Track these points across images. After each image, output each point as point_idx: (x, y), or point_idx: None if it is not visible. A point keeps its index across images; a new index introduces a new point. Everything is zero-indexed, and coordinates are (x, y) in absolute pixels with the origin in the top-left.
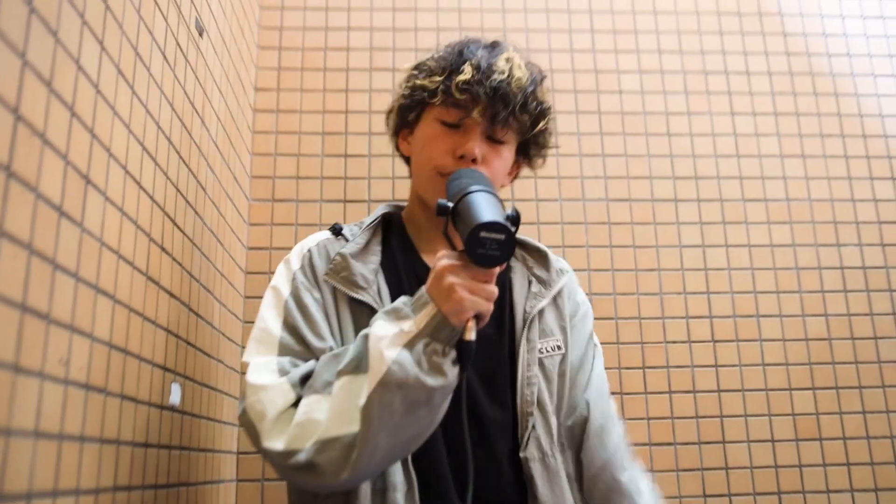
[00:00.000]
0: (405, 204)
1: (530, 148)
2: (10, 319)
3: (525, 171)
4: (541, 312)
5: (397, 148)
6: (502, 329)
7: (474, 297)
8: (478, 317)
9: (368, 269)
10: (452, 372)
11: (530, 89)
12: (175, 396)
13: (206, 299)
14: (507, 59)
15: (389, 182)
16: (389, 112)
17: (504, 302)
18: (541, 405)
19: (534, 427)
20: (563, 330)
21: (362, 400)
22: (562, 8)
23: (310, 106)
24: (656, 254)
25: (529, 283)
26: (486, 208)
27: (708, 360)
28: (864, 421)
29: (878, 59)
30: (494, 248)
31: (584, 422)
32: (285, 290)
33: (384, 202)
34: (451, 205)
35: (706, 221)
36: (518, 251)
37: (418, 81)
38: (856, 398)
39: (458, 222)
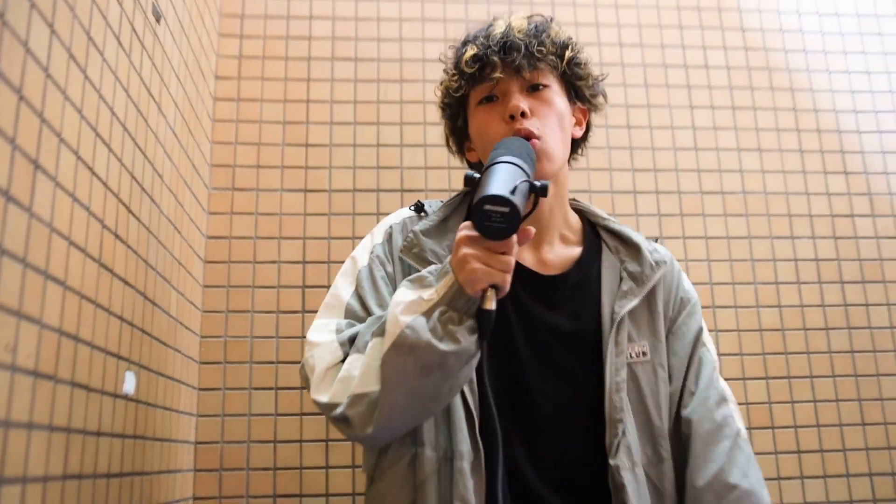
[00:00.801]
0: None
1: (576, 84)
2: None
3: None
4: (631, 313)
5: (469, 164)
6: (583, 324)
7: (488, 267)
8: (496, 287)
9: (441, 246)
10: (467, 339)
11: (534, 28)
12: (129, 385)
13: (162, 288)
14: (504, 21)
15: (350, 171)
16: (447, 139)
17: (589, 295)
18: (630, 412)
19: (624, 434)
20: (655, 333)
21: (380, 361)
22: (523, 0)
23: (271, 95)
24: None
25: (621, 279)
26: (497, 180)
27: None
28: (814, 410)
29: (832, 55)
30: (500, 220)
31: (688, 437)
32: (362, 261)
33: (345, 192)
34: (478, 176)
35: (664, 213)
36: (611, 240)
37: (443, 87)
38: (807, 387)
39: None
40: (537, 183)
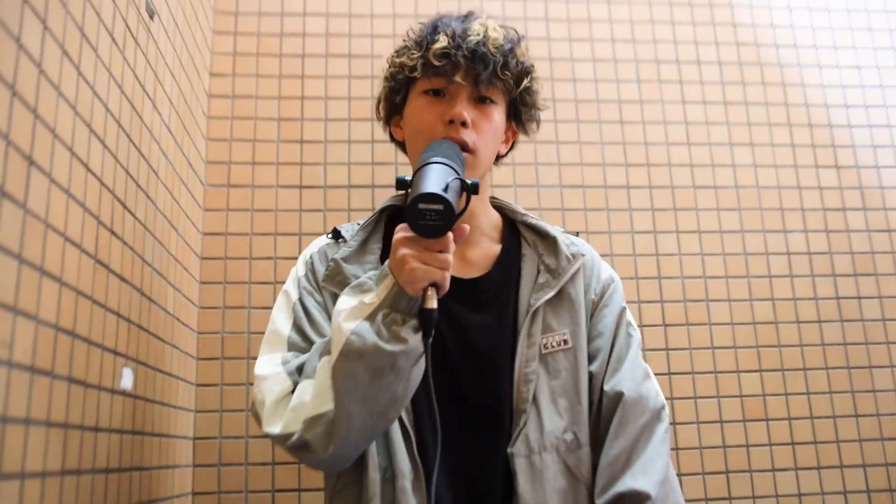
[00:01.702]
0: None
1: (519, 109)
2: None
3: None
4: (548, 304)
5: (392, 137)
6: (504, 321)
7: (427, 266)
8: (436, 285)
9: (363, 269)
10: (413, 338)
11: (508, 47)
12: (126, 381)
13: (159, 284)
14: (482, 24)
15: (346, 168)
16: (378, 102)
17: (510, 292)
18: (536, 402)
19: (525, 424)
20: (576, 321)
21: (330, 373)
22: None
23: (265, 91)
24: (608, 239)
25: (538, 272)
26: (429, 179)
27: (659, 343)
28: (808, 402)
29: (823, 50)
30: (435, 218)
31: (611, 410)
32: (294, 295)
33: (341, 188)
34: (408, 179)
35: (658, 208)
36: (531, 236)
37: (398, 61)
38: (800, 380)
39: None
40: (468, 181)
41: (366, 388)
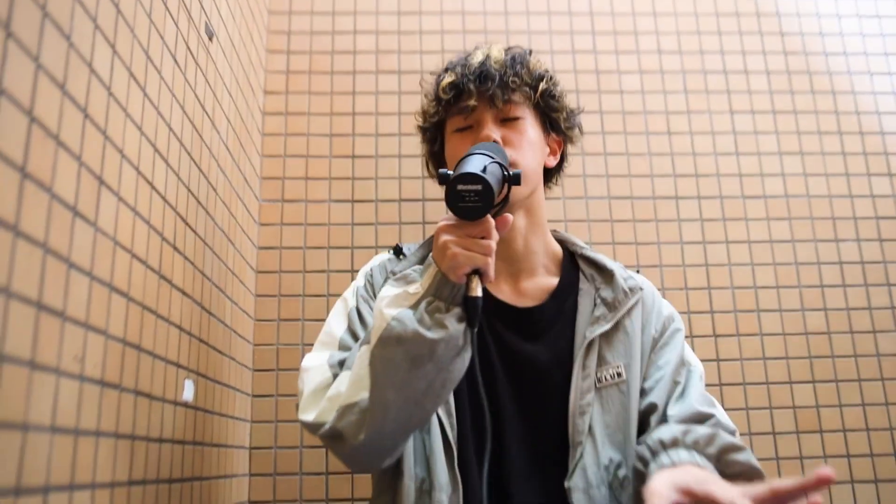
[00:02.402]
0: None
1: (550, 116)
2: (26, 317)
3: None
4: (604, 337)
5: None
6: (558, 353)
7: (469, 252)
8: (479, 272)
9: None
10: (455, 326)
11: (510, 59)
12: (188, 393)
13: (217, 298)
14: (483, 52)
15: (396, 182)
16: (426, 162)
17: (565, 324)
18: (592, 434)
19: (581, 456)
20: (631, 354)
21: (368, 359)
22: (563, 10)
23: (318, 108)
24: (658, 250)
25: (595, 305)
26: (468, 164)
27: (710, 354)
28: (863, 413)
29: (874, 57)
30: (474, 199)
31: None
32: (352, 302)
33: (391, 202)
34: (450, 173)
35: (707, 218)
36: (589, 270)
37: (422, 111)
38: (855, 391)
39: None
40: (510, 171)
41: (404, 375)
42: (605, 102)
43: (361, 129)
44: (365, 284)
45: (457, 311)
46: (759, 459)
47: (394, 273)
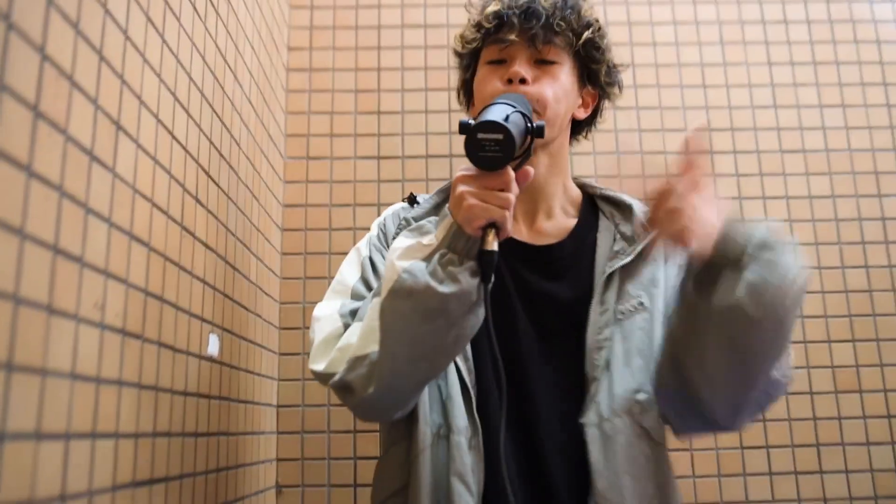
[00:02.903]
0: None
1: (590, 67)
2: (41, 259)
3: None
4: (625, 270)
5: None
6: (578, 289)
7: (486, 204)
8: (496, 226)
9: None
10: (468, 281)
11: (562, 1)
12: (213, 347)
13: (242, 253)
14: None
15: (423, 137)
16: (458, 91)
17: (584, 262)
18: (609, 368)
19: (596, 392)
20: (654, 282)
21: (379, 311)
22: None
23: (342, 64)
24: None
25: (614, 240)
26: (490, 113)
27: None
28: None
29: None
30: (495, 148)
31: None
32: (365, 251)
33: (418, 158)
34: (471, 121)
35: (743, 173)
36: (608, 209)
37: (460, 36)
38: None
39: None
40: (534, 123)
41: (415, 329)
42: (638, 55)
43: (387, 85)
44: (378, 234)
45: (471, 265)
46: (796, 419)
47: (407, 221)
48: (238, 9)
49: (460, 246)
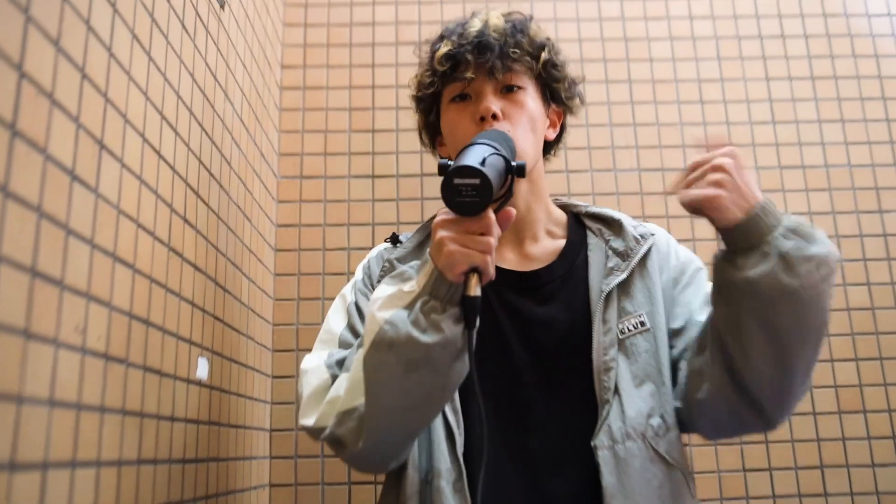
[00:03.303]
0: None
1: (552, 87)
2: (19, 283)
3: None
4: (622, 287)
5: (441, 158)
6: (573, 312)
7: (466, 249)
8: (478, 271)
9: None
10: (452, 328)
11: (510, 27)
12: (202, 370)
13: (233, 275)
14: (481, 18)
15: (417, 156)
16: (419, 131)
17: (577, 282)
18: (618, 390)
19: (608, 414)
20: (653, 299)
21: (362, 364)
22: None
23: (336, 82)
24: (690, 224)
25: (607, 257)
26: (467, 156)
27: None
28: None
29: None
30: (472, 193)
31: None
32: (350, 297)
33: (413, 176)
34: (451, 163)
35: None
36: (596, 226)
37: (416, 81)
38: None
39: None
40: (514, 162)
41: (399, 381)
42: (634, 71)
43: (381, 103)
44: (363, 278)
45: (454, 311)
46: (799, 441)
47: (390, 262)
48: (229, 27)
49: (442, 292)
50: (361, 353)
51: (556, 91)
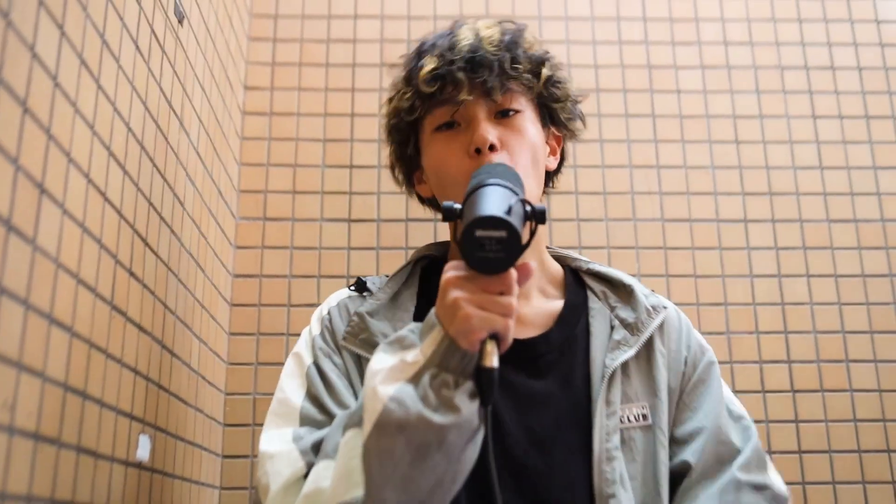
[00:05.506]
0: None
1: (551, 107)
2: None
3: (564, 185)
4: (625, 367)
5: (420, 199)
6: (572, 388)
7: (485, 312)
8: (496, 337)
9: (395, 328)
10: (468, 406)
11: (508, 40)
12: (143, 450)
13: (182, 335)
14: (470, 28)
15: (402, 198)
16: (391, 166)
17: (577, 353)
18: (624, 485)
19: None
20: (655, 392)
21: (362, 451)
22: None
23: (309, 108)
24: (722, 285)
25: (612, 328)
26: (487, 202)
27: (788, 415)
28: None
29: None
30: (496, 248)
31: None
32: (308, 358)
33: (397, 221)
34: (458, 206)
35: (783, 247)
36: (600, 287)
37: (392, 107)
38: None
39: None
40: (535, 207)
41: (406, 470)
42: (659, 104)
43: (361, 134)
44: (322, 332)
45: (468, 385)
46: (807, 452)
47: (359, 316)
48: (188, 44)
49: (454, 363)
50: (356, 436)
51: (557, 113)
